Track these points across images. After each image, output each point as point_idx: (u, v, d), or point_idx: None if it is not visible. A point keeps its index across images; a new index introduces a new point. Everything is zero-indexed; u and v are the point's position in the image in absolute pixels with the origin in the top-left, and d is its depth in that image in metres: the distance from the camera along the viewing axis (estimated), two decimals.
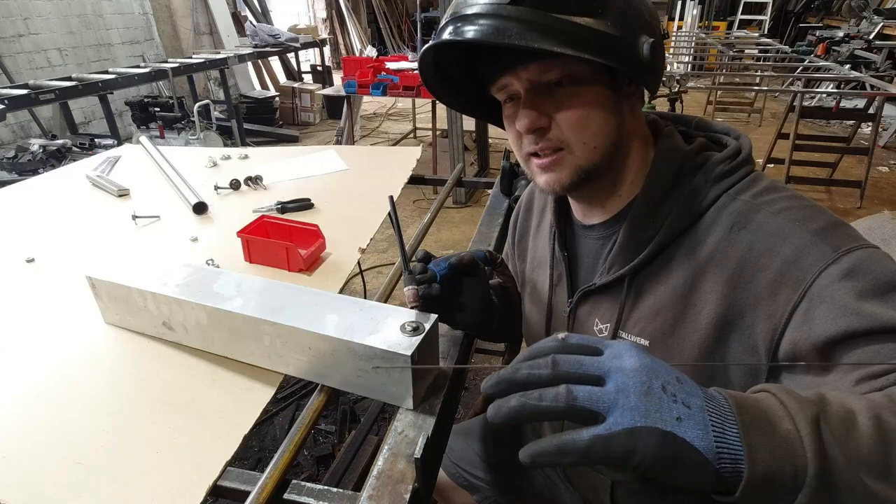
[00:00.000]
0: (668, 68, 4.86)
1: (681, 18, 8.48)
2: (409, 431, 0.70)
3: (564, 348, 0.44)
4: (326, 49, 7.29)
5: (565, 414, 0.40)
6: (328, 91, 6.48)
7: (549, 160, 0.68)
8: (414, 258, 0.79)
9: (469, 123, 4.45)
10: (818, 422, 0.41)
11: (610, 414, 0.40)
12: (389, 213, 0.79)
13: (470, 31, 0.61)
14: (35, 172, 2.55)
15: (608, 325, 0.75)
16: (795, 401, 0.42)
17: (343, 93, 4.31)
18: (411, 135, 5.72)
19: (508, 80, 0.67)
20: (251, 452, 1.90)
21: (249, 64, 6.86)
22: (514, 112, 0.69)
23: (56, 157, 3.08)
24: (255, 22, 6.73)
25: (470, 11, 0.62)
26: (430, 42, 0.68)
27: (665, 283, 0.68)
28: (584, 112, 0.65)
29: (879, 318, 0.52)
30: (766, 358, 0.60)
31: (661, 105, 4.12)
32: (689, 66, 5.23)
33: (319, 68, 7.35)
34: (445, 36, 0.64)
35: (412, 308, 0.74)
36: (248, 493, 0.63)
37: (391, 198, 0.79)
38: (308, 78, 7.42)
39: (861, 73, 4.21)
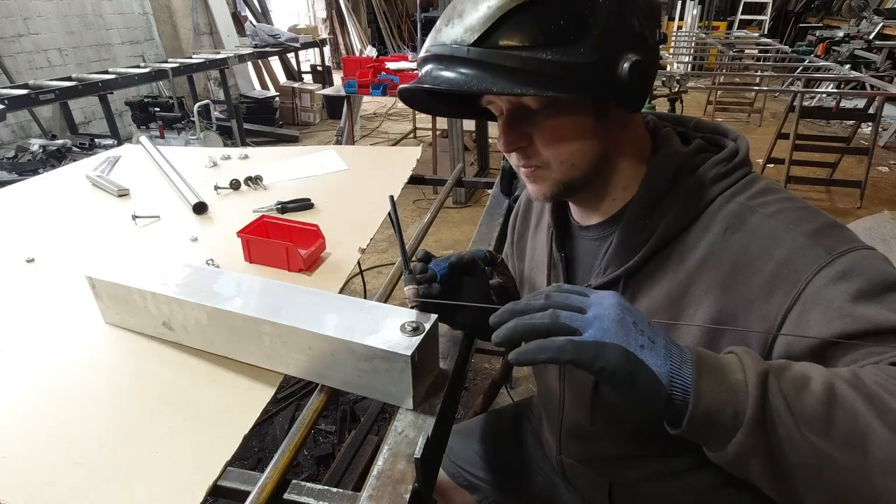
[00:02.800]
0: (668, 68, 4.87)
1: (681, 18, 8.49)
2: (409, 431, 0.70)
3: (558, 289, 0.54)
4: (326, 49, 7.28)
5: (549, 328, 0.50)
6: (328, 91, 6.47)
7: (531, 171, 0.70)
8: (414, 258, 0.79)
9: (469, 124, 4.45)
10: (767, 375, 0.47)
11: (585, 331, 0.49)
12: (389, 213, 0.79)
13: (426, 81, 0.63)
14: (35, 172, 2.55)
15: None
16: (752, 359, 0.49)
17: (343, 93, 4.30)
18: (411, 135, 5.72)
19: (492, 98, 0.68)
20: (251, 452, 1.90)
21: (249, 64, 6.85)
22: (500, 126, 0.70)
23: (56, 157, 3.07)
24: (255, 22, 6.72)
25: (434, 52, 0.63)
26: (406, 86, 0.68)
27: (660, 284, 0.68)
28: (561, 138, 0.66)
29: (874, 319, 0.52)
30: None
31: (661, 105, 4.12)
32: (689, 66, 5.24)
33: (319, 68, 7.34)
34: (419, 78, 0.65)
35: (412, 308, 0.74)
36: (248, 493, 0.63)
37: (391, 197, 0.79)
38: (308, 78, 7.42)
39: (861, 73, 4.21)
